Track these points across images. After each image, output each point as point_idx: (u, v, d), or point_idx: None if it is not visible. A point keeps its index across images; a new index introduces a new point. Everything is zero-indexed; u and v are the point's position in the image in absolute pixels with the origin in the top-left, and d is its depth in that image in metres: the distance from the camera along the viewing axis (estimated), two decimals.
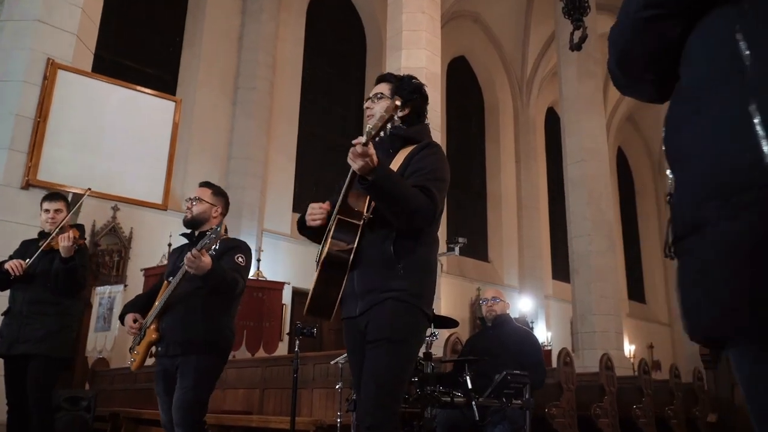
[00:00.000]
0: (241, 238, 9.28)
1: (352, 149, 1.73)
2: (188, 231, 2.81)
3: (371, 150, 1.74)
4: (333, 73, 13.72)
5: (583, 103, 10.65)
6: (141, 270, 8.11)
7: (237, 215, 10.32)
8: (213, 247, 2.44)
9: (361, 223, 1.94)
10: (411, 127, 2.10)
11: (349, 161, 1.74)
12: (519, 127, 16.53)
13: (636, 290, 20.21)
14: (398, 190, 1.83)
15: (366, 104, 2.16)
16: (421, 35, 8.09)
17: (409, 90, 2.13)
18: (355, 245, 1.93)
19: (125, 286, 8.21)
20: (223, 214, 2.90)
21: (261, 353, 7.85)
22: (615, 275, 10.51)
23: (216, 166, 10.78)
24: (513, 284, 15.62)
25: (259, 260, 9.55)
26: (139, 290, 6.78)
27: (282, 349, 10.03)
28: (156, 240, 9.12)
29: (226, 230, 2.84)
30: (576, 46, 6.23)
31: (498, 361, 3.25)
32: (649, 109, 19.88)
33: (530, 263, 15.88)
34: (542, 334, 15.09)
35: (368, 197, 1.93)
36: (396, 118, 2.09)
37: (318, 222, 2.03)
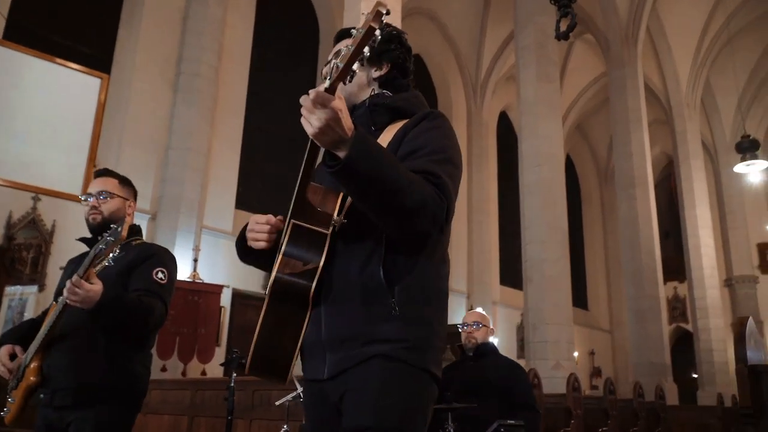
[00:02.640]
0: (179, 235, 8.52)
1: (305, 100, 1.13)
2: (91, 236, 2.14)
3: (340, 103, 1.13)
4: (284, 64, 13.03)
5: (542, 106, 10.37)
6: (60, 268, 7.27)
7: (174, 210, 9.57)
8: (110, 256, 1.76)
9: (330, 231, 1.30)
10: (398, 93, 1.52)
11: (303, 122, 1.16)
12: (472, 129, 16.25)
13: (579, 297, 20.32)
14: (388, 173, 1.19)
15: (325, 70, 1.52)
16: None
17: (384, 39, 1.50)
18: (321, 266, 1.28)
19: (41, 287, 7.35)
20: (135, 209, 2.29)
21: (194, 364, 7.16)
22: (568, 283, 10.28)
23: (152, 157, 9.95)
24: (461, 289, 15.32)
25: (196, 260, 8.83)
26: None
27: (219, 357, 9.34)
28: (79, 233, 8.25)
29: (139, 231, 2.22)
30: (563, 35, 5.84)
31: (480, 398, 2.76)
32: (597, 118, 20.04)
33: (479, 268, 15.62)
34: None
35: (340, 189, 1.34)
36: (374, 82, 1.54)
37: (262, 244, 1.39)
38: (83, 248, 2.15)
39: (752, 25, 15.85)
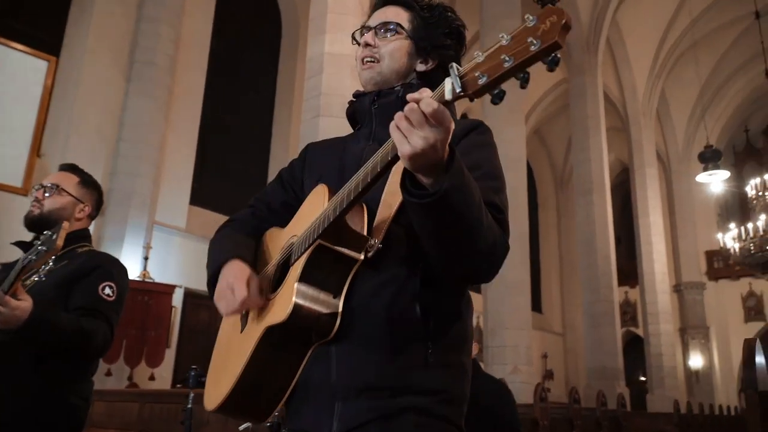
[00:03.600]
0: (129, 231, 8.09)
1: (414, 113, 0.88)
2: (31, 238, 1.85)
3: (449, 118, 0.90)
4: (245, 56, 12.63)
5: (507, 111, 10.34)
6: None
7: (125, 205, 9.11)
8: (43, 269, 1.47)
9: (362, 257, 1.09)
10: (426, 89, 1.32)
11: (397, 136, 0.91)
12: None
13: (534, 300, 20.50)
14: (475, 210, 0.99)
15: (365, 38, 1.31)
16: (347, 20, 7.33)
17: (443, 30, 1.30)
18: (343, 297, 1.08)
19: None
20: (92, 216, 1.99)
21: (142, 369, 6.78)
22: (527, 288, 10.28)
23: (101, 148, 9.45)
24: None
25: (146, 258, 8.42)
26: None
27: (169, 360, 8.95)
28: (19, 233, 7.76)
29: (86, 236, 1.93)
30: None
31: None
32: (556, 123, 20.27)
33: None
34: None
35: (390, 212, 1.11)
36: (414, 73, 1.32)
37: (224, 313, 1.19)
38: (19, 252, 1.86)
39: (706, 39, 16.25)
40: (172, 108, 10.43)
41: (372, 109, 1.30)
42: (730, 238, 12.03)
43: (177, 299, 9.47)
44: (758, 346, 2.03)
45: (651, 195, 15.80)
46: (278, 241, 1.30)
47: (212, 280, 1.27)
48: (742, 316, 18.09)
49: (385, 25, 1.31)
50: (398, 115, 0.91)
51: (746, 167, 17.37)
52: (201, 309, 10.38)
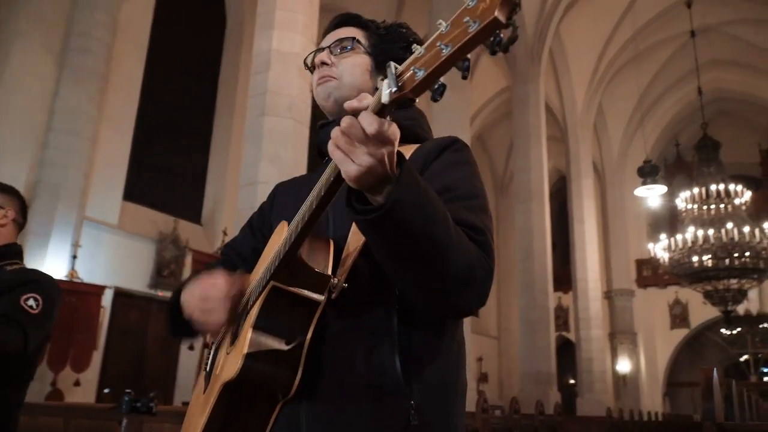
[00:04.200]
0: (56, 226, 7.64)
1: (352, 128, 0.78)
2: None
3: (394, 131, 0.79)
4: (187, 46, 12.20)
5: (453, 115, 10.39)
6: None
7: (52, 198, 8.62)
8: None
9: (325, 298, 0.96)
10: (398, 111, 1.20)
11: (337, 156, 0.80)
12: None
13: None
14: (440, 227, 0.87)
15: (319, 57, 1.21)
16: (297, 18, 7.16)
17: (401, 44, 1.21)
18: (306, 348, 0.95)
19: None
20: (19, 223, 1.81)
21: (67, 374, 6.40)
22: None
23: (29, 137, 8.91)
24: None
25: (75, 257, 7.98)
26: None
27: (95, 364, 8.53)
28: None
29: (17, 252, 1.76)
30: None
31: None
32: (497, 130, 20.59)
33: None
34: None
35: (327, 235, 1.02)
36: (375, 88, 1.21)
37: (219, 317, 1.02)
38: None
39: (643, 55, 16.84)
40: (107, 98, 9.95)
41: None
42: (660, 248, 12.47)
43: (106, 299, 9.05)
44: (715, 376, 2.02)
45: (586, 204, 16.26)
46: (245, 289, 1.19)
47: (170, 312, 1.14)
48: (668, 322, 18.85)
49: (340, 42, 1.22)
50: (335, 132, 0.80)
51: (676, 180, 18.10)
52: (132, 310, 9.96)
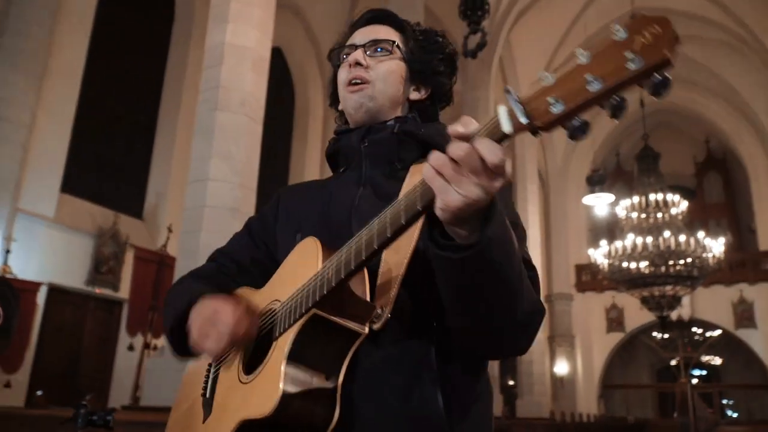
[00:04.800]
0: None
1: (462, 152, 0.70)
2: None
3: (506, 164, 0.71)
4: (134, 33, 11.75)
5: None
6: None
7: None
8: None
9: (367, 330, 0.89)
10: (428, 124, 1.13)
11: (436, 181, 0.73)
12: (327, 132, 15.95)
13: None
14: (515, 268, 0.83)
15: (354, 56, 1.12)
16: (253, 11, 6.97)
17: (438, 55, 1.15)
18: (341, 381, 0.87)
19: None
20: None
21: None
22: None
23: None
24: None
25: (8, 251, 7.55)
26: None
27: (27, 363, 8.10)
28: None
29: None
30: (471, 53, 5.69)
31: None
32: None
33: None
34: None
35: (398, 272, 0.91)
36: (407, 102, 1.15)
37: (220, 346, 0.94)
38: None
39: None
40: (45, 85, 9.48)
41: (362, 148, 1.11)
42: (599, 254, 12.81)
43: (40, 296, 8.62)
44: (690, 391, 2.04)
45: (531, 209, 16.57)
46: (252, 302, 1.08)
47: (177, 326, 1.03)
48: (604, 326, 19.42)
49: (376, 43, 1.13)
50: (439, 158, 0.72)
51: (616, 188, 18.69)
52: (67, 307, 9.52)
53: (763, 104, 17.00)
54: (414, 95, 1.16)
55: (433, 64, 1.15)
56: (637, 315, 17.42)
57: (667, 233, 11.87)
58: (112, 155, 11.14)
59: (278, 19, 14.78)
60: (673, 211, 12.49)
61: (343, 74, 1.14)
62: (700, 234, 12.01)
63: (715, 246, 11.79)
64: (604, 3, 15.37)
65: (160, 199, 11.60)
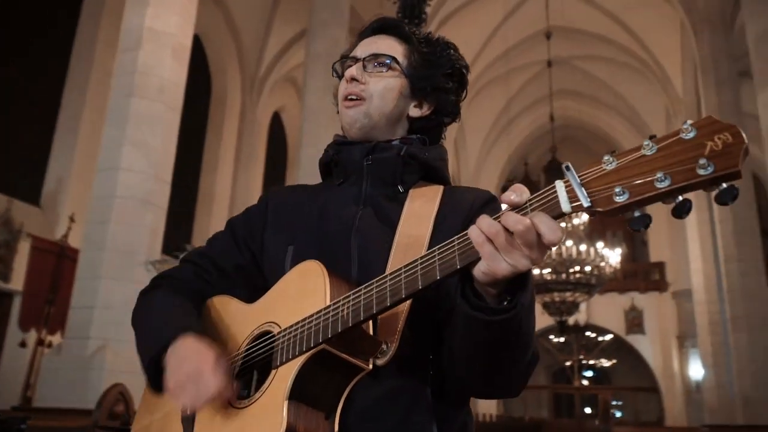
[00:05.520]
0: None
1: (521, 227, 0.71)
2: None
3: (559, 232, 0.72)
4: (38, 8, 10.97)
5: (325, 118, 10.30)
6: None
7: None
8: None
9: (371, 367, 0.89)
10: (431, 147, 1.12)
11: (485, 248, 0.74)
12: (244, 125, 15.60)
13: None
14: (532, 325, 0.87)
15: (350, 72, 1.10)
16: None
17: (445, 69, 1.12)
18: (338, 417, 0.86)
19: None
20: None
21: None
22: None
23: None
24: None
25: None
26: None
27: None
28: None
29: None
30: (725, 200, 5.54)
31: None
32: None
33: None
34: None
35: (401, 309, 0.91)
36: (406, 119, 1.13)
37: (196, 406, 0.89)
38: None
39: (504, 77, 17.91)
40: None
41: (364, 165, 1.08)
42: None
43: None
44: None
45: None
46: (239, 318, 1.02)
47: (155, 363, 0.96)
48: None
49: (376, 58, 1.11)
50: (492, 226, 0.73)
51: None
52: None
53: (660, 125, 18.20)
54: (414, 112, 1.13)
55: (436, 79, 1.11)
56: (537, 319, 18.15)
57: (569, 242, 12.46)
58: (7, 134, 10.37)
59: (199, 7, 14.33)
60: (576, 221, 13.13)
61: (341, 88, 1.12)
62: (599, 244, 12.69)
63: (612, 256, 12.50)
64: (521, 18, 15.95)
65: (61, 186, 10.91)
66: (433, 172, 1.10)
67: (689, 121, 0.65)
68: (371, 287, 0.84)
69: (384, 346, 0.89)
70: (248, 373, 0.95)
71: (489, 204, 1.06)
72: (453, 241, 0.78)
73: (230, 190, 15.24)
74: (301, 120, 11.09)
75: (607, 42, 16.42)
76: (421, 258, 0.80)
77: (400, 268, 0.82)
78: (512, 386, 0.93)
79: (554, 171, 14.07)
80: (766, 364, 10.27)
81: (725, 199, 0.63)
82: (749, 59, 9.63)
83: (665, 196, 0.65)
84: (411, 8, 7.71)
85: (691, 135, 0.64)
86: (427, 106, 1.13)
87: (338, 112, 1.16)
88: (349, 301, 0.85)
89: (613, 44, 16.38)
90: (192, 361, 0.90)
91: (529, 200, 0.73)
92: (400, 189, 1.07)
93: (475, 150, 20.35)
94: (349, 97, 1.09)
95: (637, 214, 0.67)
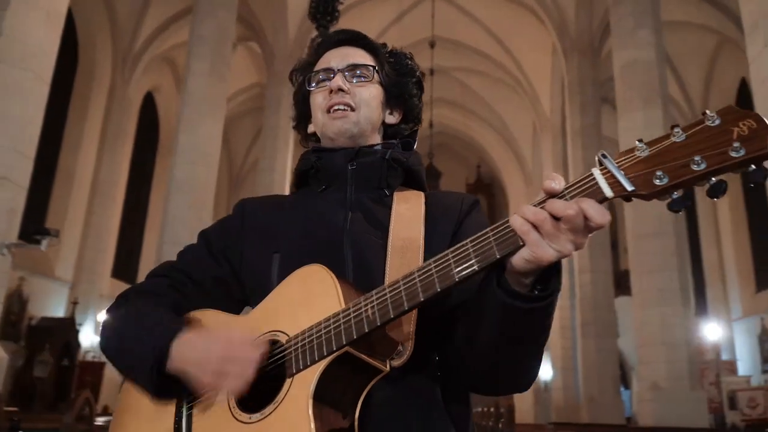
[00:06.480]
0: None
1: (571, 211, 0.73)
2: None
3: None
4: None
5: (208, 103, 9.92)
6: None
7: None
8: None
9: (388, 368, 0.87)
10: (411, 153, 1.15)
11: (531, 235, 0.75)
12: (113, 103, 14.57)
13: None
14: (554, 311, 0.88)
15: (336, 82, 1.09)
16: None
17: (411, 78, 1.18)
18: (357, 420, 0.84)
19: None
20: None
21: None
22: None
23: None
24: (65, 278, 13.45)
25: None
26: None
27: None
28: None
29: None
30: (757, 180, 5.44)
31: None
32: (240, 123, 20.26)
33: (91, 256, 13.98)
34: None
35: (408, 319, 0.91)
36: (382, 126, 1.17)
37: (238, 389, 0.85)
38: None
39: None
40: None
41: (348, 170, 1.08)
42: None
43: None
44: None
45: None
46: None
47: (156, 367, 0.88)
48: None
49: (356, 68, 1.13)
50: (538, 213, 0.75)
51: None
52: None
53: (527, 140, 19.44)
54: (390, 119, 1.17)
55: (407, 87, 1.16)
56: None
57: None
58: None
59: None
60: None
61: (321, 99, 1.12)
62: None
63: None
64: (408, 24, 16.30)
65: None
66: (413, 177, 1.13)
67: (709, 111, 0.71)
68: (397, 285, 0.83)
69: (400, 347, 0.89)
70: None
71: (475, 206, 1.11)
72: (487, 234, 0.79)
73: (93, 171, 14.19)
74: (178, 103, 10.60)
75: (486, 57, 17.24)
76: (453, 251, 0.80)
77: (429, 263, 0.81)
78: (530, 377, 0.94)
79: (431, 177, 14.52)
80: (609, 368, 11.29)
81: (757, 178, 0.69)
82: (610, 85, 10.55)
83: (700, 179, 0.70)
84: (325, 4, 7.60)
85: (717, 122, 0.70)
86: (398, 113, 1.18)
87: (295, 126, 1.20)
88: (372, 302, 0.83)
89: (491, 60, 17.22)
90: (217, 342, 0.86)
91: (566, 188, 0.76)
92: (387, 193, 1.08)
93: None
94: (337, 108, 1.09)
95: (675, 195, 0.72)
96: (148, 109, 16.82)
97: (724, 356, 14.90)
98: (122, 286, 15.76)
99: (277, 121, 13.92)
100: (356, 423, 0.84)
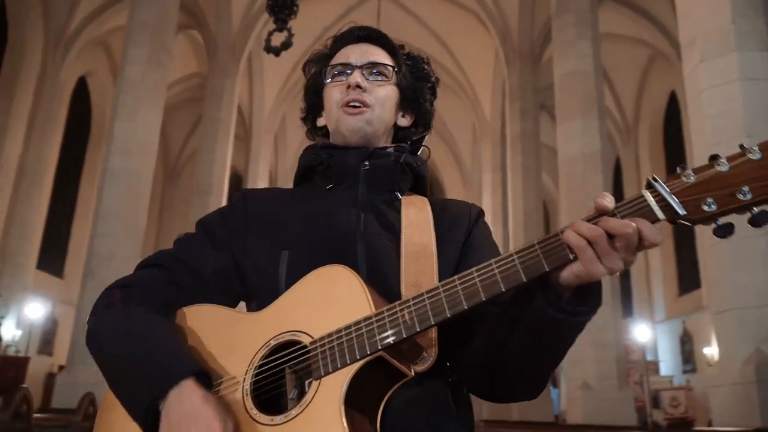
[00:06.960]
0: None
1: (628, 231, 0.74)
2: None
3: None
4: None
5: (146, 92, 9.60)
6: None
7: None
8: None
9: (413, 374, 0.85)
10: (419, 158, 1.14)
11: (586, 252, 0.76)
12: (44, 87, 13.88)
13: None
14: None
15: (354, 79, 1.07)
16: None
17: (426, 83, 1.17)
18: (379, 423, 0.83)
19: None
20: None
21: None
22: None
23: None
24: None
25: None
26: None
27: None
28: None
29: None
30: (274, 50, 5.29)
31: None
32: (177, 113, 19.71)
33: (15, 246, 13.30)
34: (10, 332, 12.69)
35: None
36: (392, 129, 1.16)
37: None
38: None
39: None
40: None
41: (361, 170, 1.06)
42: None
43: None
44: None
45: None
46: (242, 329, 0.91)
47: (152, 410, 0.83)
48: None
49: (375, 66, 1.11)
50: (595, 231, 0.75)
51: None
52: None
53: (466, 142, 19.78)
54: (402, 121, 1.16)
55: (423, 91, 1.16)
56: None
57: None
58: None
59: None
60: None
61: (337, 93, 1.09)
62: None
63: None
64: (352, 23, 16.25)
65: None
66: (419, 182, 1.13)
67: (747, 144, 0.75)
68: (437, 291, 0.82)
69: (425, 353, 0.88)
70: (263, 388, 0.87)
71: (481, 216, 1.11)
72: (533, 246, 0.79)
73: (19, 157, 13.48)
74: (114, 90, 10.24)
75: (430, 59, 17.40)
76: (497, 262, 0.80)
77: (471, 271, 0.81)
78: (545, 384, 0.95)
79: None
80: None
81: None
82: (548, 93, 10.85)
83: (744, 209, 0.74)
84: None
85: (758, 156, 0.74)
86: (410, 116, 1.16)
87: (303, 118, 1.19)
88: (409, 307, 0.82)
89: (435, 62, 17.38)
90: (200, 423, 0.79)
91: (617, 207, 0.77)
92: (398, 196, 1.08)
93: (293, 146, 20.33)
94: (353, 104, 1.07)
95: (720, 222, 0.75)
96: (81, 94, 16.13)
97: (648, 357, 15.61)
98: (48, 279, 15.12)
99: (218, 113, 13.63)
100: (378, 427, 0.83)
